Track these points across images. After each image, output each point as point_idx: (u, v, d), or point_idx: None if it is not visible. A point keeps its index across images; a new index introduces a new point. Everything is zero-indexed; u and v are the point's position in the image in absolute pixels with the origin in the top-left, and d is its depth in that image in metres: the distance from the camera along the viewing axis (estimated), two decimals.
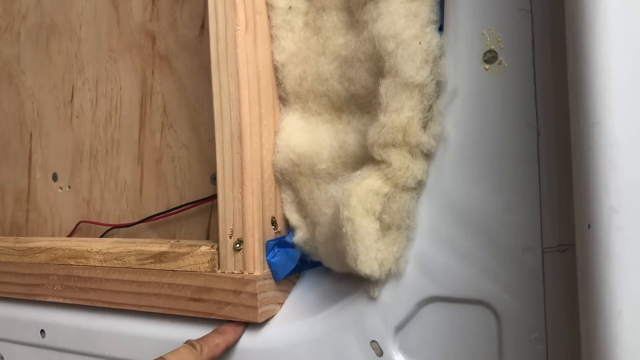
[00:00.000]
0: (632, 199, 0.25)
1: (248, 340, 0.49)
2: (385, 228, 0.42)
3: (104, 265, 0.57)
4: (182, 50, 0.62)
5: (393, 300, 0.42)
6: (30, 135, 0.77)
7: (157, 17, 0.64)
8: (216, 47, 0.49)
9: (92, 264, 0.58)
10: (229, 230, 0.49)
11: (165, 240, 0.57)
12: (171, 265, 0.52)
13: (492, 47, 0.39)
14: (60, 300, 0.60)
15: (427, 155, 0.41)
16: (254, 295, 0.48)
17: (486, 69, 0.39)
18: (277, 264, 0.50)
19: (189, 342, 0.47)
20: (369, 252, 0.41)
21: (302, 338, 0.46)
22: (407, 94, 0.40)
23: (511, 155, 0.38)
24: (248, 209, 0.48)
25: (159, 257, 0.53)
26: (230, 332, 0.49)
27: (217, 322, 0.50)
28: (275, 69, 0.51)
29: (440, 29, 0.41)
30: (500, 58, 0.38)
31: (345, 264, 0.44)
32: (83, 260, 0.59)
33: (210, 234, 0.61)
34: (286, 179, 0.51)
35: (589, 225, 0.26)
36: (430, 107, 0.41)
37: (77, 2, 0.71)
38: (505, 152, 0.38)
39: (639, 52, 0.26)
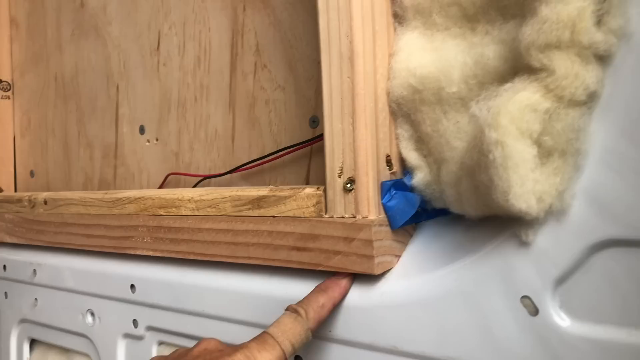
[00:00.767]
0: None
1: (361, 296, 0.42)
2: (545, 154, 0.33)
3: (196, 214, 0.52)
4: None
5: (553, 245, 0.33)
6: (117, 87, 0.74)
7: None
8: None
9: (184, 213, 0.53)
10: (338, 169, 0.42)
11: (263, 186, 0.51)
12: (271, 211, 0.46)
13: None
14: (150, 253, 0.56)
15: (603, 59, 0.32)
16: (369, 242, 0.41)
17: None
18: (395, 208, 0.42)
19: (291, 308, 0.40)
20: (525, 183, 0.32)
21: (429, 293, 0.38)
22: None
23: None
24: (361, 142, 0.41)
25: (258, 202, 0.47)
26: (334, 288, 0.42)
27: (324, 274, 0.44)
28: None
29: None
30: None
31: (488, 204, 0.35)
32: (174, 209, 0.54)
33: (310, 183, 0.55)
34: (403, 110, 0.43)
35: None
36: None
37: None
38: None
39: None
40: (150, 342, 0.58)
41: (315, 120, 0.54)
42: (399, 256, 0.43)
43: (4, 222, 0.76)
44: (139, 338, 0.59)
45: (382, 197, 0.42)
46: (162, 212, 0.55)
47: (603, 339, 0.32)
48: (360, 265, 0.41)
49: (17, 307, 0.75)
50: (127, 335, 0.61)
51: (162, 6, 0.67)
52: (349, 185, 0.42)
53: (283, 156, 0.55)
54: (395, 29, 0.44)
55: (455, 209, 0.41)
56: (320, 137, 0.44)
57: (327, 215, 0.43)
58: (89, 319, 0.65)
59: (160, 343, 0.58)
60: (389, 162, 0.44)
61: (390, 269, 0.42)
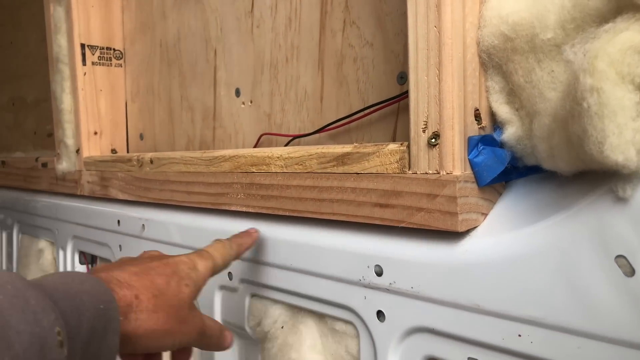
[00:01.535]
0: None
1: (444, 254, 0.41)
2: None
3: (284, 171, 0.53)
4: None
5: None
6: (215, 52, 0.77)
7: None
8: None
9: (274, 170, 0.55)
10: (423, 123, 0.41)
11: (348, 144, 0.51)
12: (355, 168, 0.46)
13: None
14: (244, 209, 0.59)
15: None
16: (452, 199, 0.39)
17: None
18: (482, 164, 0.40)
19: (217, 240, 0.53)
20: (623, 132, 0.30)
21: (516, 251, 0.37)
22: None
23: None
24: (447, 95, 0.40)
25: (342, 159, 0.47)
26: (246, 237, 0.56)
27: (406, 230, 0.43)
28: None
29: None
30: None
31: (581, 157, 0.33)
32: (264, 167, 0.56)
33: (397, 141, 0.54)
34: (494, 60, 0.41)
35: None
36: None
37: None
38: None
39: None
40: (244, 294, 0.62)
41: (404, 77, 0.52)
42: (485, 214, 0.42)
43: (118, 180, 0.83)
44: (234, 290, 0.63)
45: (469, 153, 0.41)
46: (253, 170, 0.57)
47: None
48: (444, 222, 0.40)
49: None
50: (222, 287, 0.65)
51: None
52: (433, 140, 0.40)
53: (370, 114, 0.55)
54: None
55: (548, 165, 0.38)
56: (406, 94, 0.43)
57: (410, 172, 0.42)
58: None
59: (253, 295, 0.61)
60: (477, 116, 0.42)
61: (475, 227, 0.41)
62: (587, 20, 0.35)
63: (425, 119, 0.41)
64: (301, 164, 0.52)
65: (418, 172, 0.42)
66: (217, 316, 0.66)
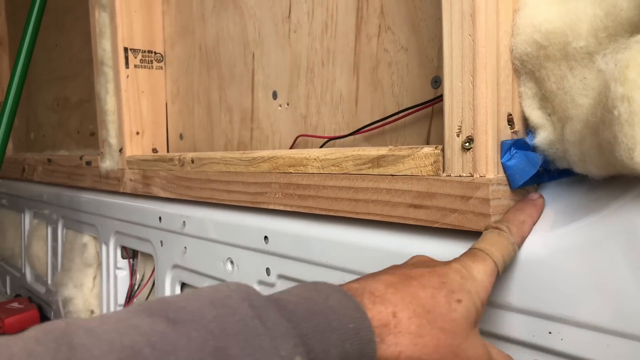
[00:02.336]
0: None
1: None
2: None
3: (321, 172, 0.56)
4: None
5: None
6: (253, 55, 0.79)
7: None
8: None
9: (310, 171, 0.57)
10: (457, 127, 0.43)
11: (383, 146, 0.53)
12: (390, 170, 0.48)
13: None
14: (281, 208, 0.61)
15: None
16: (485, 201, 0.41)
17: None
18: (514, 167, 0.42)
19: (490, 227, 0.40)
20: None
21: (548, 252, 0.38)
22: None
23: None
24: (481, 101, 0.41)
25: (377, 161, 0.49)
26: (530, 206, 0.41)
27: (440, 230, 0.45)
28: None
29: None
30: None
31: (612, 163, 0.34)
32: (302, 167, 0.58)
33: (431, 144, 0.55)
34: (527, 67, 0.42)
35: None
36: None
37: None
38: None
39: None
40: (281, 288, 0.64)
41: (437, 81, 0.54)
42: None
43: (159, 178, 0.87)
44: (271, 285, 0.65)
45: (502, 156, 0.42)
46: (291, 170, 0.60)
47: None
48: (477, 223, 0.42)
49: (170, 254, 0.86)
50: (261, 282, 0.67)
51: None
52: (467, 144, 0.42)
53: (404, 117, 0.56)
54: None
55: (579, 169, 0.40)
56: (440, 98, 0.45)
57: (444, 174, 0.44)
58: (229, 266, 0.72)
59: None
60: (510, 121, 0.43)
61: None
62: (619, 29, 0.36)
63: (459, 124, 0.43)
64: (337, 166, 0.54)
65: (452, 175, 0.43)
66: None
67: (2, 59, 1.97)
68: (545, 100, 0.42)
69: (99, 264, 1.13)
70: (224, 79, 0.86)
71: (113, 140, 1.00)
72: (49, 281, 1.38)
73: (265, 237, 0.65)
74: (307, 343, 0.28)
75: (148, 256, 1.00)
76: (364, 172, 0.51)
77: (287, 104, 0.74)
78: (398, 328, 0.32)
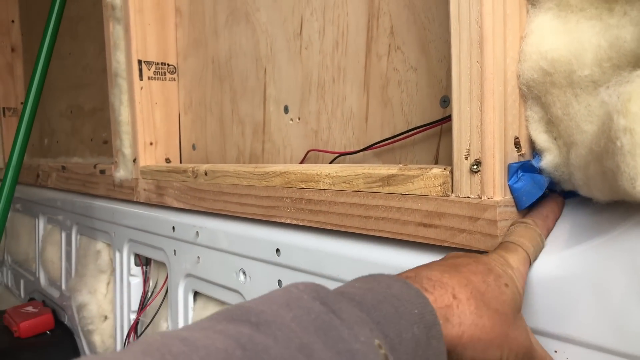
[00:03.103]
0: None
1: None
2: None
3: (332, 188, 0.57)
4: None
5: None
6: (265, 70, 0.81)
7: None
8: None
9: (322, 187, 0.59)
10: (465, 151, 0.44)
11: (393, 164, 0.54)
12: (400, 189, 0.50)
13: None
14: (293, 222, 0.63)
15: None
16: (493, 222, 0.42)
17: None
18: (521, 189, 0.43)
19: (517, 222, 0.42)
20: None
21: (553, 272, 0.39)
22: None
23: None
24: (488, 126, 0.42)
25: (387, 180, 0.51)
26: (552, 203, 0.44)
27: (448, 249, 0.46)
28: None
29: None
30: None
31: (616, 189, 0.35)
32: (313, 183, 0.60)
33: (439, 161, 0.57)
34: (534, 92, 0.43)
35: None
36: None
37: None
38: None
39: None
40: None
41: (446, 100, 0.55)
42: None
43: (173, 189, 0.88)
44: None
45: (509, 179, 0.43)
46: (303, 186, 0.61)
47: None
48: (484, 244, 0.43)
49: (183, 264, 0.88)
50: None
51: None
52: (475, 167, 0.43)
53: (413, 135, 0.58)
54: (527, 11, 0.44)
55: (584, 192, 0.41)
56: (449, 118, 0.46)
57: (453, 195, 0.45)
58: (242, 277, 0.74)
59: None
60: (517, 144, 0.44)
61: None
62: (623, 60, 0.37)
63: (467, 147, 0.44)
64: (348, 183, 0.55)
65: (461, 196, 0.45)
66: None
67: (16, 65, 2.00)
68: (552, 124, 0.43)
69: (113, 271, 1.15)
70: (236, 91, 0.88)
71: (127, 150, 1.02)
72: (63, 286, 1.40)
73: (277, 250, 0.66)
74: (381, 329, 0.29)
75: (161, 264, 1.02)
76: (374, 190, 0.52)
77: (299, 119, 0.75)
78: (460, 308, 0.33)
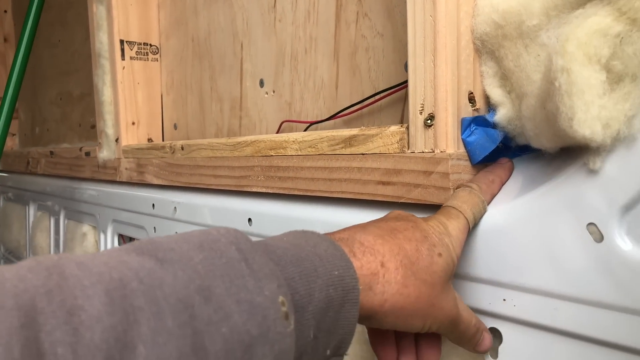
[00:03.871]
0: None
1: None
2: (615, 79, 0.33)
3: (299, 154, 0.58)
4: None
5: (621, 171, 0.33)
6: (241, 45, 0.81)
7: None
8: None
9: (289, 153, 0.59)
10: (420, 105, 0.44)
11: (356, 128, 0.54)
12: (361, 149, 0.50)
13: None
14: (263, 190, 0.63)
15: None
16: (445, 175, 0.43)
17: None
18: (474, 143, 0.43)
19: (462, 185, 0.42)
20: (590, 108, 0.32)
21: (501, 222, 0.40)
22: None
23: None
24: (440, 79, 0.43)
25: (349, 141, 0.51)
26: (499, 168, 0.43)
27: (405, 206, 0.47)
28: None
29: None
30: None
31: (558, 132, 0.36)
32: (282, 150, 0.60)
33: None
34: (487, 47, 0.44)
35: None
36: None
37: None
38: None
39: None
40: None
41: None
42: None
43: (152, 166, 0.89)
44: None
45: (462, 133, 0.44)
46: (272, 153, 0.62)
47: None
48: (438, 197, 0.43)
49: None
50: None
51: None
52: (429, 121, 0.44)
53: (379, 100, 0.58)
54: None
55: (535, 143, 0.41)
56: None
57: (409, 151, 0.46)
58: None
59: None
60: (471, 99, 0.45)
61: None
62: (567, 6, 0.37)
63: (422, 102, 0.44)
64: (314, 147, 0.56)
65: (416, 151, 0.45)
66: None
67: (9, 55, 2.00)
68: (505, 78, 0.44)
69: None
70: (215, 69, 0.88)
71: (110, 130, 1.02)
72: None
73: (249, 220, 0.67)
74: (292, 285, 0.29)
75: None
76: (337, 152, 0.53)
77: (273, 92, 0.75)
78: (386, 277, 0.33)
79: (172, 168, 0.83)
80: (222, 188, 0.71)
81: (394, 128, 0.47)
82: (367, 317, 0.34)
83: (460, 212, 0.39)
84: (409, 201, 0.46)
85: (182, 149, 0.80)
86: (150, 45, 1.02)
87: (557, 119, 0.34)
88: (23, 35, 1.14)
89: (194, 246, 0.28)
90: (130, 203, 0.98)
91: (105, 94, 1.02)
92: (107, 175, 1.06)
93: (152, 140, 1.02)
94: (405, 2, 0.54)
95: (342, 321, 0.31)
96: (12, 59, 1.97)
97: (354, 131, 0.51)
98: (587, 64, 0.32)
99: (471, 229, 0.40)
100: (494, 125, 0.44)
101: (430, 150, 0.44)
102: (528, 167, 0.44)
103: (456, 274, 0.42)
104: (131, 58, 1.00)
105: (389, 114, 0.59)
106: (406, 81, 0.54)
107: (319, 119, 0.67)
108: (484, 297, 0.41)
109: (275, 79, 0.75)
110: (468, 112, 0.44)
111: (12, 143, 1.95)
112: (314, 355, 0.31)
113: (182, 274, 0.26)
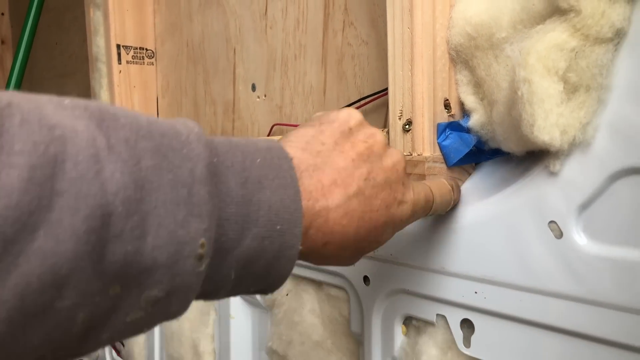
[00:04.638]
0: None
1: (416, 224, 0.47)
2: (571, 89, 0.36)
3: None
4: None
5: (578, 174, 0.36)
6: (234, 50, 0.84)
7: None
8: None
9: None
10: (399, 112, 0.47)
11: None
12: None
13: None
14: None
15: None
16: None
17: None
18: (449, 147, 0.46)
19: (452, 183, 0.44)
20: (549, 116, 0.35)
21: (472, 221, 0.43)
22: None
23: None
24: (417, 87, 0.46)
25: None
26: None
27: None
28: None
29: None
30: None
31: (522, 138, 0.39)
32: None
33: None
34: (462, 56, 0.47)
35: None
36: None
37: None
38: None
39: None
40: None
41: None
42: None
43: None
44: None
45: (438, 137, 0.47)
46: None
47: (621, 259, 0.34)
48: None
49: None
50: None
51: None
52: (407, 126, 0.47)
53: (364, 105, 0.61)
54: None
55: (505, 147, 0.44)
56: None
57: None
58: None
59: None
60: (447, 106, 0.48)
61: None
62: (532, 21, 0.40)
63: (400, 108, 0.47)
64: None
65: None
66: None
67: (6, 58, 2.03)
68: (478, 86, 0.47)
69: None
70: (208, 73, 0.91)
71: None
72: None
73: None
74: (224, 226, 0.27)
75: None
76: None
77: (265, 96, 0.78)
78: (327, 221, 0.31)
79: None
80: None
81: None
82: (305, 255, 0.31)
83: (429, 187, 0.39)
84: None
85: None
86: (146, 49, 1.05)
87: (520, 125, 0.37)
88: (22, 37, 1.16)
89: (152, 146, 0.25)
90: None
91: (102, 97, 1.04)
92: None
93: None
94: None
95: (274, 272, 0.29)
96: (9, 61, 2.00)
97: None
98: (546, 76, 0.35)
99: (433, 208, 0.39)
100: (468, 130, 0.47)
101: (409, 154, 0.47)
102: (499, 169, 0.47)
103: (433, 269, 0.46)
104: (127, 62, 1.03)
105: (373, 118, 0.61)
106: (386, 88, 0.57)
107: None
108: (457, 290, 0.44)
109: (267, 83, 0.78)
110: (444, 117, 0.47)
111: None
112: (235, 290, 0.29)
113: (119, 176, 0.23)
